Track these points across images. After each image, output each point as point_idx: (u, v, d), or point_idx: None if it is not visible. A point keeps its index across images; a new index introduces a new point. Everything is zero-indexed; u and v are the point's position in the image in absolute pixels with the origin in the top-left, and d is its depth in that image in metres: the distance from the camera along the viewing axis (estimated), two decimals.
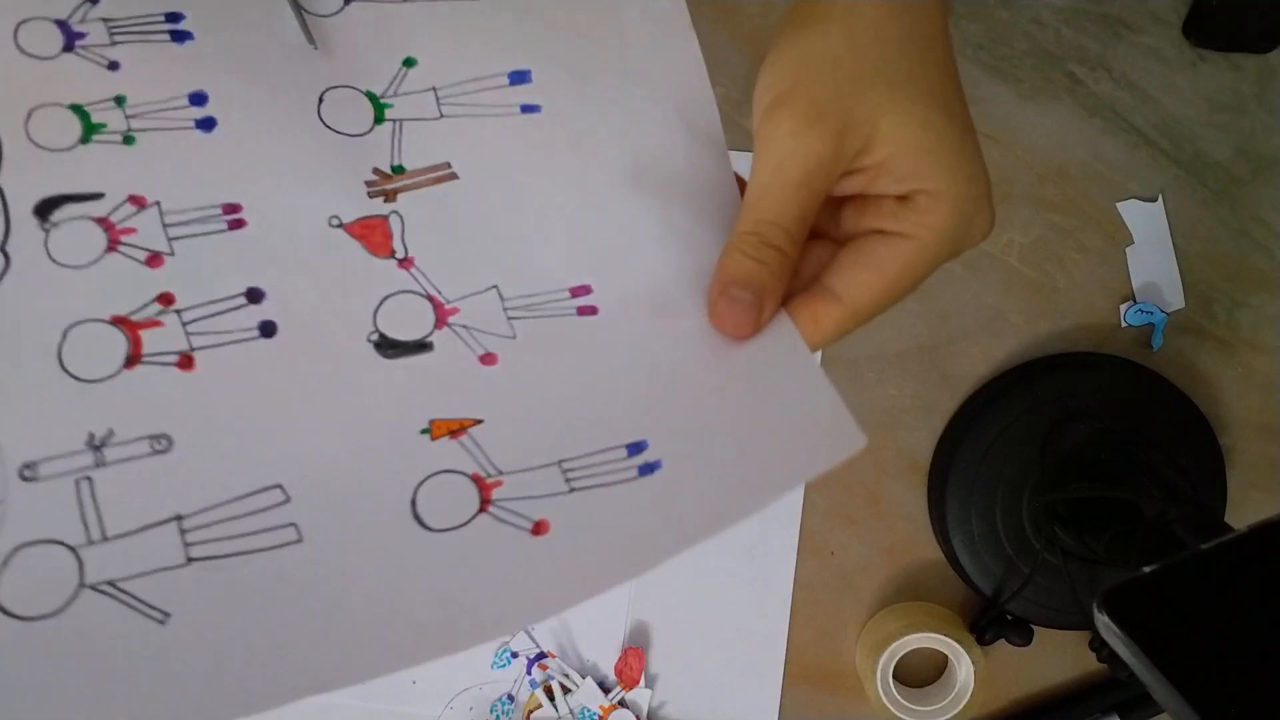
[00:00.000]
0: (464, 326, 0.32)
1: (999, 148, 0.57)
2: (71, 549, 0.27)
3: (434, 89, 0.34)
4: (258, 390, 0.30)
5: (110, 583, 0.27)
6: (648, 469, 0.30)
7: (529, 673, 0.59)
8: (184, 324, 0.30)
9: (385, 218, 0.32)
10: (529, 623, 0.30)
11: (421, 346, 0.31)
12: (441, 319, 0.32)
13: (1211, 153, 0.57)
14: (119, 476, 0.28)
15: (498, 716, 0.59)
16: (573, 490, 0.29)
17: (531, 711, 0.59)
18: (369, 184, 0.33)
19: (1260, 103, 0.56)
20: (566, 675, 0.59)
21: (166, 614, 0.26)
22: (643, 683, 0.59)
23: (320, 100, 0.33)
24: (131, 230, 0.31)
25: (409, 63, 0.35)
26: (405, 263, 0.32)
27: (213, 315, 0.30)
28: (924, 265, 0.34)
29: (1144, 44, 0.56)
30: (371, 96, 0.34)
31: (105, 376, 0.29)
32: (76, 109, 0.32)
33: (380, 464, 0.29)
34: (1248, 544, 0.32)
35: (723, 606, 0.59)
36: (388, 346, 0.31)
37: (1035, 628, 0.58)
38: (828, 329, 0.34)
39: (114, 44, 0.32)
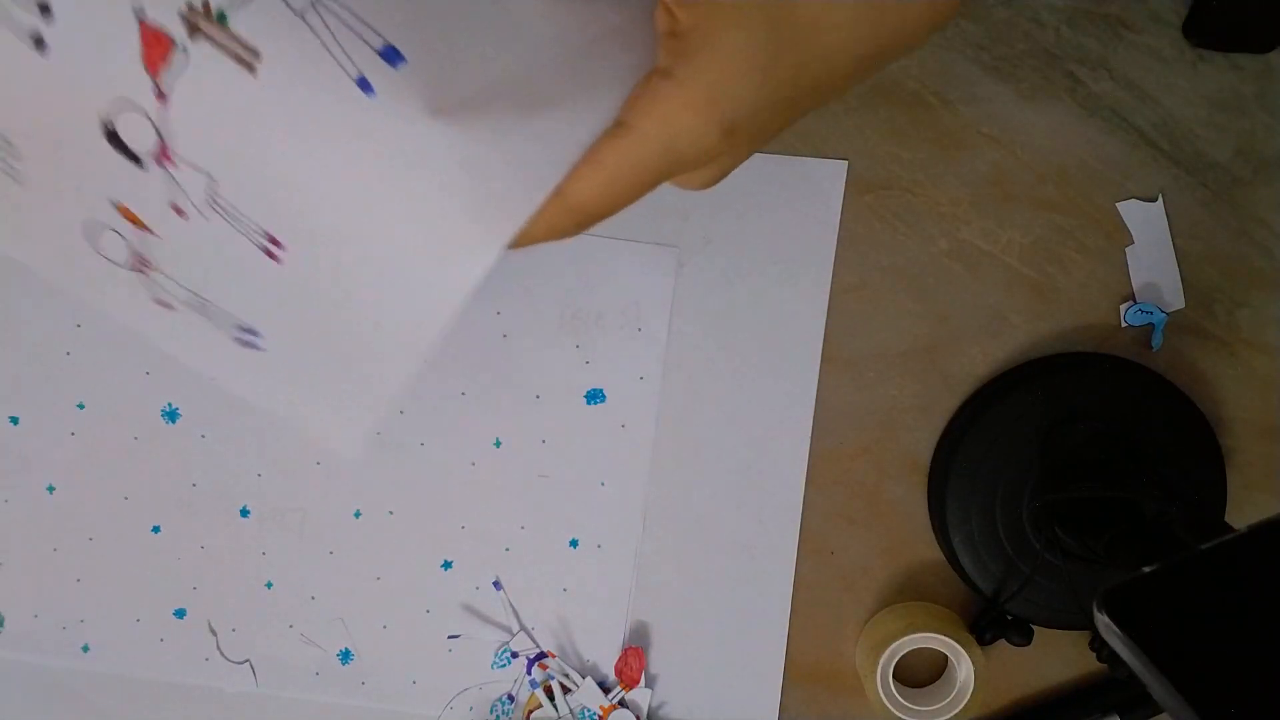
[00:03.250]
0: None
1: (999, 148, 0.57)
2: None
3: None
4: None
5: None
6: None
7: (529, 673, 0.59)
8: None
9: (173, 43, 0.31)
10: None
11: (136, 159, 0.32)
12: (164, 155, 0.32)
13: (1211, 153, 0.57)
14: None
15: (498, 716, 0.59)
16: None
17: (531, 711, 0.59)
18: (189, 6, 0.31)
19: (1260, 103, 0.56)
20: (566, 675, 0.59)
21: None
22: (643, 683, 0.59)
23: None
24: None
25: None
26: (161, 97, 0.31)
27: None
28: (634, 168, 0.32)
29: (1144, 44, 0.56)
30: None
31: None
32: None
33: None
34: (1248, 544, 0.32)
35: (723, 606, 0.59)
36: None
37: (1035, 628, 0.58)
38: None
39: None
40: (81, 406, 0.57)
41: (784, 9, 0.30)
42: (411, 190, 0.32)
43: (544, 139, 0.33)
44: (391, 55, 0.31)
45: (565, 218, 0.33)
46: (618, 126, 0.32)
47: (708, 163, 0.33)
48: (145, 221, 0.34)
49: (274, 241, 0.33)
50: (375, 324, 0.34)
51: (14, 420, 0.57)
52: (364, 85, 0.31)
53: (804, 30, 0.31)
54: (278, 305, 0.34)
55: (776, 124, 0.33)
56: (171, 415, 0.57)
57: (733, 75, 0.31)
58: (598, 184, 0.32)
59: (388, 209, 0.32)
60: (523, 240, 0.33)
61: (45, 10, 0.30)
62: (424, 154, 0.31)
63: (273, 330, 0.35)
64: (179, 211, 0.33)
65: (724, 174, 0.34)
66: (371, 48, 0.31)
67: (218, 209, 0.32)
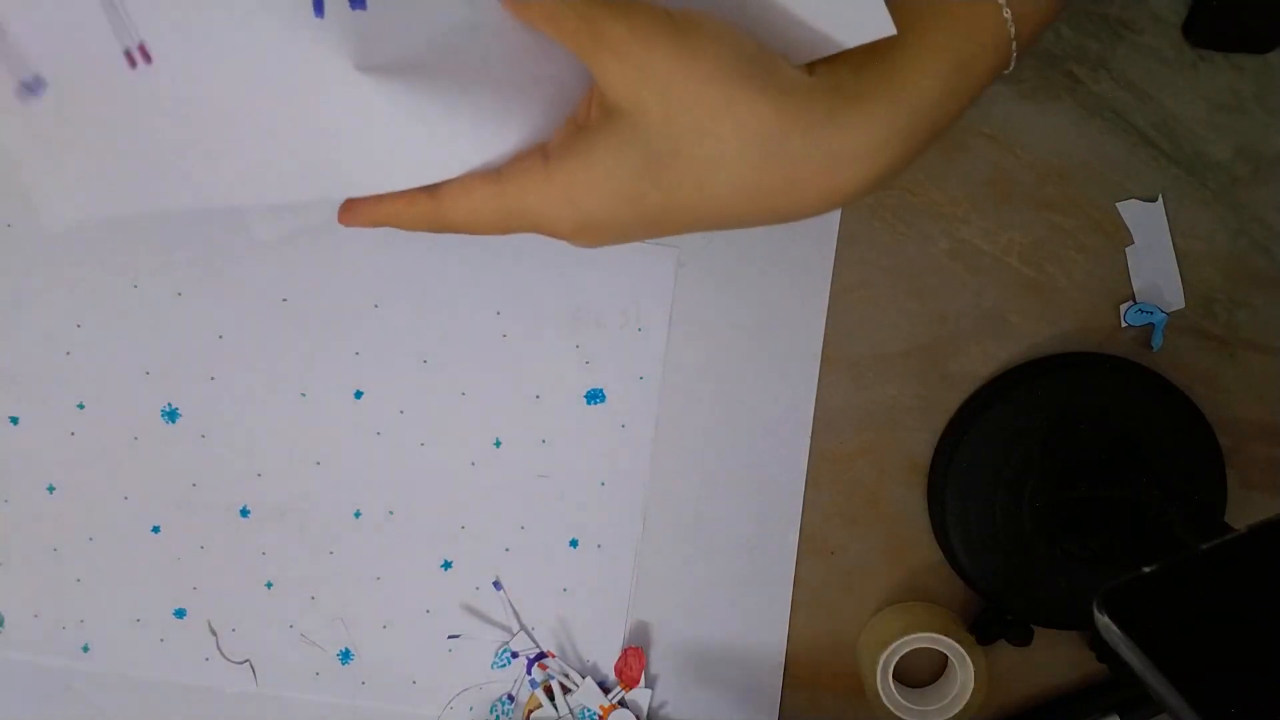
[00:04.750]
0: None
1: (999, 148, 0.57)
2: None
3: None
4: None
5: None
6: None
7: (529, 673, 0.59)
8: None
9: None
10: None
11: None
12: None
13: (1211, 153, 0.57)
14: None
15: (498, 716, 0.59)
16: None
17: (531, 711, 0.59)
18: None
19: (1260, 103, 0.56)
20: (566, 675, 0.59)
21: None
22: (643, 683, 0.59)
23: None
24: None
25: None
26: None
27: None
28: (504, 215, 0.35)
29: (1144, 44, 0.56)
30: None
31: None
32: None
33: None
34: (1248, 544, 0.32)
35: (723, 606, 0.59)
36: None
37: (1035, 628, 0.58)
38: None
39: None
40: (81, 406, 0.57)
41: (665, 165, 0.32)
42: (304, 107, 0.33)
43: (440, 140, 0.34)
44: None
45: (433, 219, 0.35)
46: (494, 174, 0.34)
47: (569, 240, 0.35)
48: None
49: (144, 53, 0.33)
50: (181, 158, 0.35)
51: (14, 420, 0.57)
52: (318, 5, 0.32)
53: (679, 188, 0.33)
54: (96, 90, 0.35)
55: (647, 235, 0.35)
56: (171, 415, 0.57)
57: (593, 188, 0.33)
58: (463, 209, 0.35)
59: (274, 104, 0.34)
60: (388, 218, 0.35)
61: None
62: (333, 91, 0.33)
63: (71, 100, 0.36)
64: None
65: (599, 244, 0.35)
66: None
67: None
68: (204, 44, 0.33)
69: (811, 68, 0.34)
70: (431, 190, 0.35)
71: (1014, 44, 0.34)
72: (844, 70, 0.33)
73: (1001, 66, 0.35)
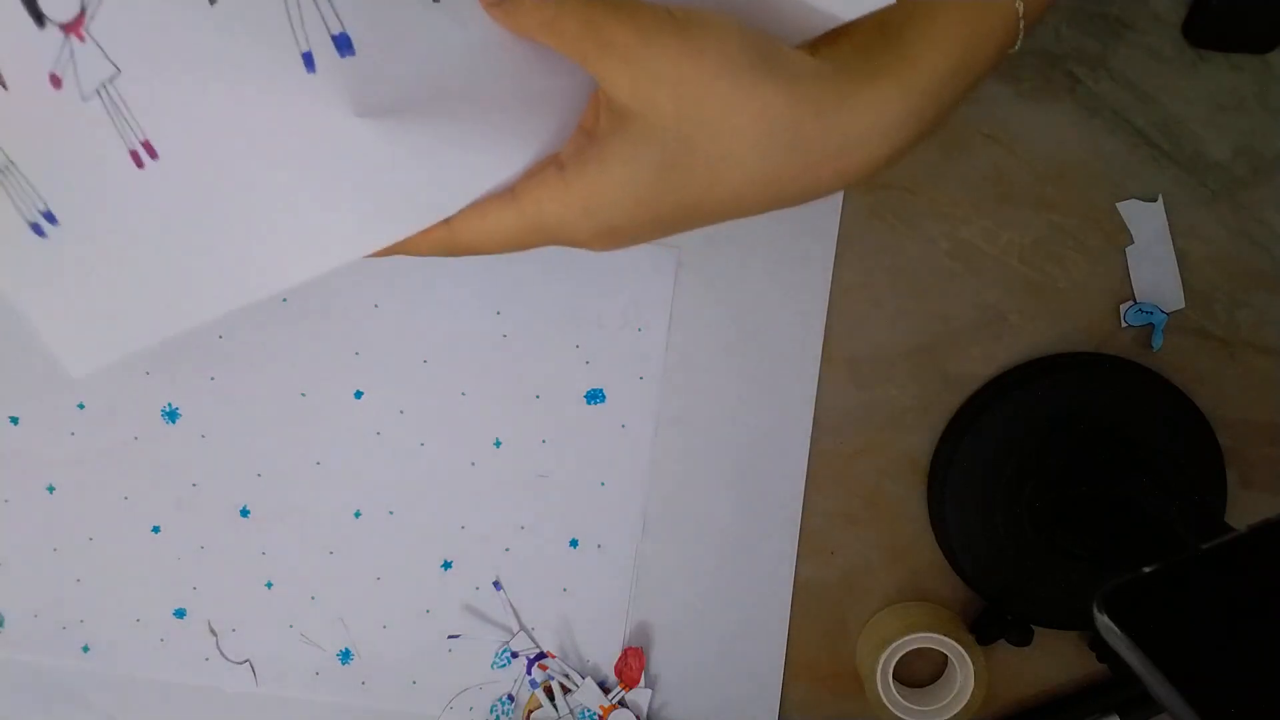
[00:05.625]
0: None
1: (999, 148, 0.57)
2: None
3: None
4: None
5: None
6: None
7: (529, 673, 0.59)
8: None
9: None
10: None
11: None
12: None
13: (1211, 153, 0.57)
14: None
15: (498, 716, 0.59)
16: None
17: (531, 711, 0.59)
18: None
19: (1260, 103, 0.56)
20: (566, 675, 0.59)
21: None
22: (643, 683, 0.59)
23: None
24: None
25: None
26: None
27: None
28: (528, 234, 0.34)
29: (1144, 44, 0.56)
30: None
31: None
32: None
33: None
34: (1248, 544, 0.32)
35: (723, 606, 0.59)
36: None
37: (1035, 628, 0.58)
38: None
39: None
40: (81, 406, 0.57)
41: (680, 165, 0.32)
42: (313, 168, 0.33)
43: (449, 174, 0.34)
44: (344, 43, 0.32)
45: (448, 245, 0.35)
46: (508, 193, 0.34)
47: (587, 247, 0.35)
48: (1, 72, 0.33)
49: (149, 149, 0.33)
50: (201, 263, 0.34)
51: (14, 420, 0.57)
52: (308, 60, 0.32)
53: (695, 185, 0.33)
54: (106, 205, 0.34)
55: (660, 235, 0.35)
56: (171, 415, 0.57)
57: (612, 196, 0.33)
58: (479, 232, 0.34)
59: (284, 173, 0.33)
60: (403, 249, 0.35)
61: None
62: (337, 144, 0.32)
63: (81, 225, 0.35)
64: (55, 82, 0.32)
65: (616, 248, 0.35)
66: (328, 29, 0.31)
67: (104, 97, 0.32)
68: (206, 125, 0.32)
69: (814, 50, 0.33)
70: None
71: (1021, 22, 0.34)
72: (849, 51, 0.33)
73: (1009, 45, 0.34)
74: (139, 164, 0.33)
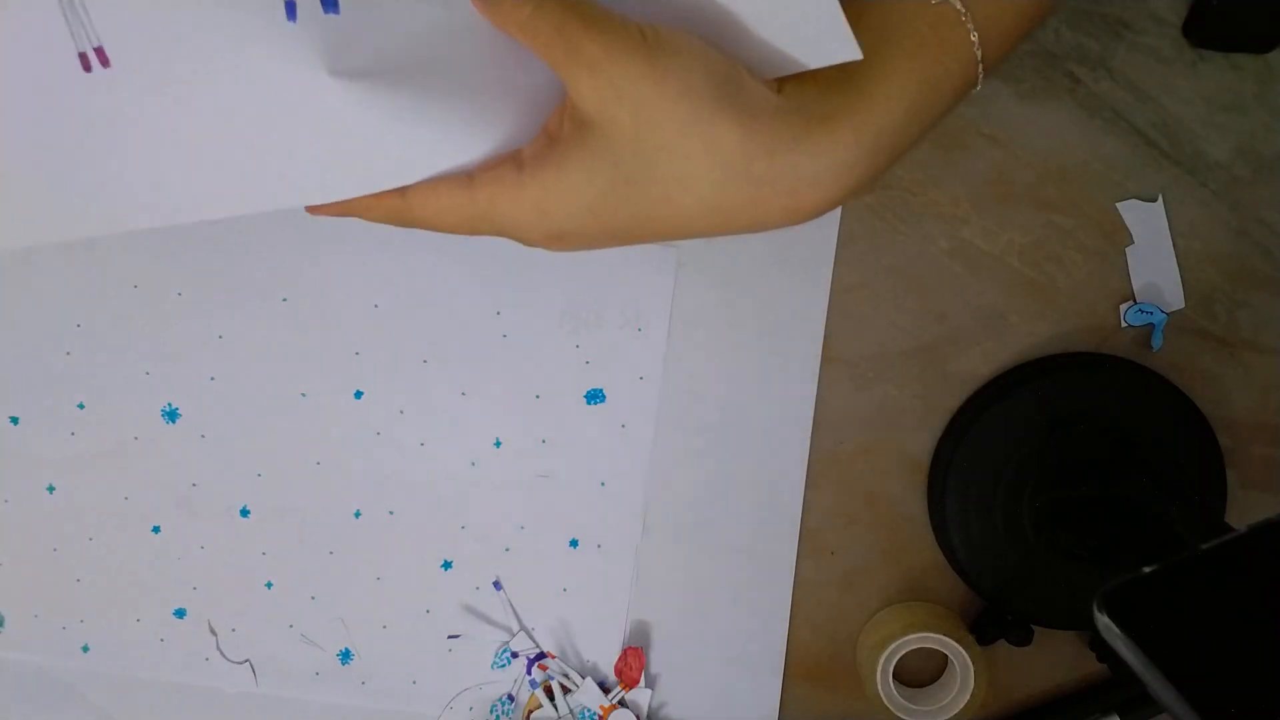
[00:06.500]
0: None
1: (999, 148, 0.57)
2: None
3: None
4: None
5: None
6: None
7: (529, 673, 0.59)
8: None
9: None
10: None
11: None
12: None
13: (1211, 153, 0.57)
14: None
15: (498, 716, 0.59)
16: None
17: (531, 711, 0.59)
18: None
19: (1260, 103, 0.56)
20: (566, 675, 0.59)
21: None
22: (643, 683, 0.59)
23: None
24: None
25: None
26: None
27: None
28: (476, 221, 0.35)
29: (1144, 44, 0.56)
30: None
31: None
32: None
33: None
34: (1248, 544, 0.32)
35: (723, 606, 0.59)
36: None
37: (1035, 628, 0.58)
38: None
39: None
40: (81, 406, 0.57)
41: (634, 181, 0.33)
42: (274, 113, 0.33)
43: (409, 146, 0.34)
44: (330, 0, 0.32)
45: (400, 215, 0.36)
46: (466, 178, 0.35)
47: (536, 246, 0.36)
48: None
49: (100, 56, 0.33)
50: (133, 176, 0.34)
51: (14, 420, 0.57)
52: (290, 8, 0.32)
53: (646, 202, 0.33)
54: (41, 97, 0.34)
55: (610, 244, 0.35)
56: (171, 415, 0.57)
57: (565, 201, 0.34)
58: (431, 209, 0.35)
59: (242, 113, 0.33)
60: (354, 210, 0.36)
61: None
62: (304, 96, 0.33)
63: (13, 110, 0.34)
64: None
65: (566, 251, 0.36)
66: None
67: None
68: (167, 48, 0.32)
69: (781, 85, 0.34)
70: (400, 187, 0.36)
71: (980, 66, 0.34)
72: (812, 90, 0.34)
73: (968, 87, 0.35)
74: (86, 67, 0.33)
